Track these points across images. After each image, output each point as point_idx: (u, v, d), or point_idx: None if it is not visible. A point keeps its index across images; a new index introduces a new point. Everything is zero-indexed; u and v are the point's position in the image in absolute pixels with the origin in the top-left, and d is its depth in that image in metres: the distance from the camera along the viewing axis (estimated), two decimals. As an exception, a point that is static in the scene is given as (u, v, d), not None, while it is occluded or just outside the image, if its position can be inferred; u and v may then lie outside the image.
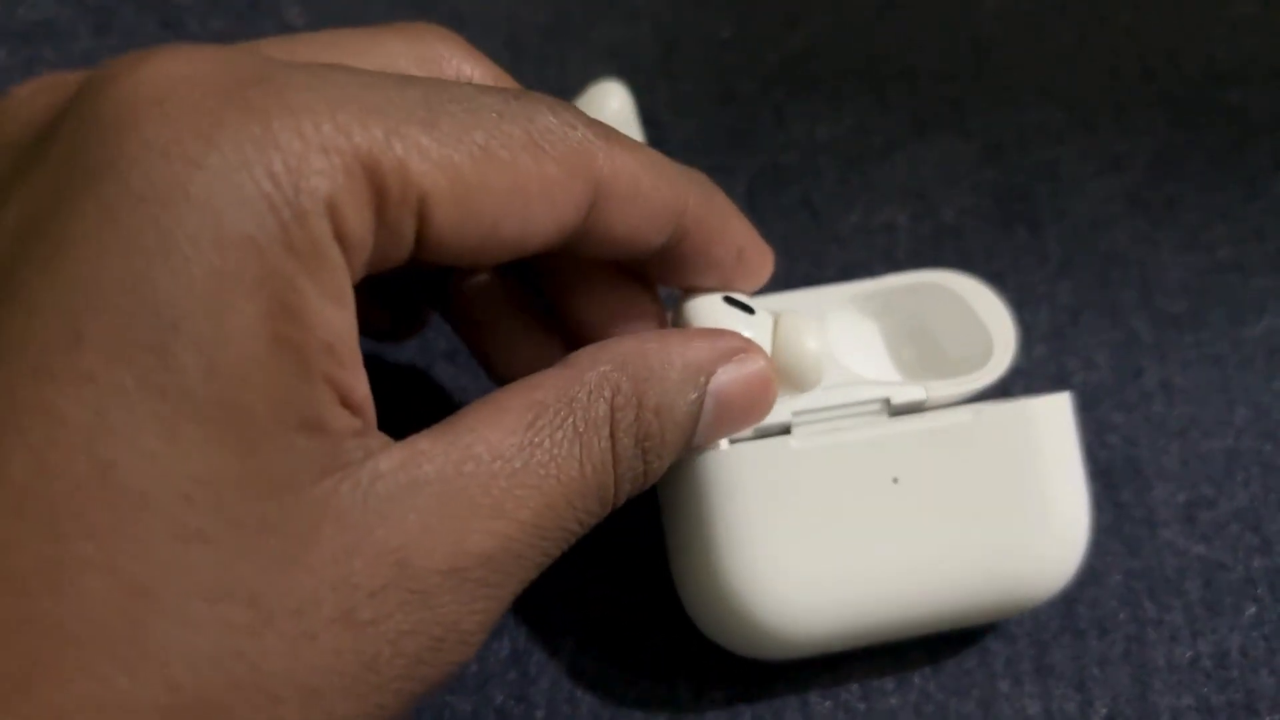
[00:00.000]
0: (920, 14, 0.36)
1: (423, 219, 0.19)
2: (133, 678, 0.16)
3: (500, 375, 0.26)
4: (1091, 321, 0.32)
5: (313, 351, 0.18)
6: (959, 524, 0.24)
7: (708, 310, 0.25)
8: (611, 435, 0.21)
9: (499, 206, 0.20)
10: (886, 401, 0.26)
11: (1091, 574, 0.28)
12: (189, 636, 0.17)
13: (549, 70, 0.35)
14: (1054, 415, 0.25)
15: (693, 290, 0.25)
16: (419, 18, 0.36)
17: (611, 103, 0.32)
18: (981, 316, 0.27)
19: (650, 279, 0.26)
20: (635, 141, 0.22)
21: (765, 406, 0.24)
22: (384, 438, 0.19)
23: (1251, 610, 0.28)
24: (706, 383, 0.23)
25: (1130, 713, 0.27)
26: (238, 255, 0.17)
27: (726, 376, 0.23)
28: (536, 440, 0.20)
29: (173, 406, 0.17)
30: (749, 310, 0.25)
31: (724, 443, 0.24)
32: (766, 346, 0.25)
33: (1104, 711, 0.27)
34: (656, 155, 0.23)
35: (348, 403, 0.19)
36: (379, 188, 0.18)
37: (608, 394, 0.21)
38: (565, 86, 0.34)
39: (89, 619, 0.16)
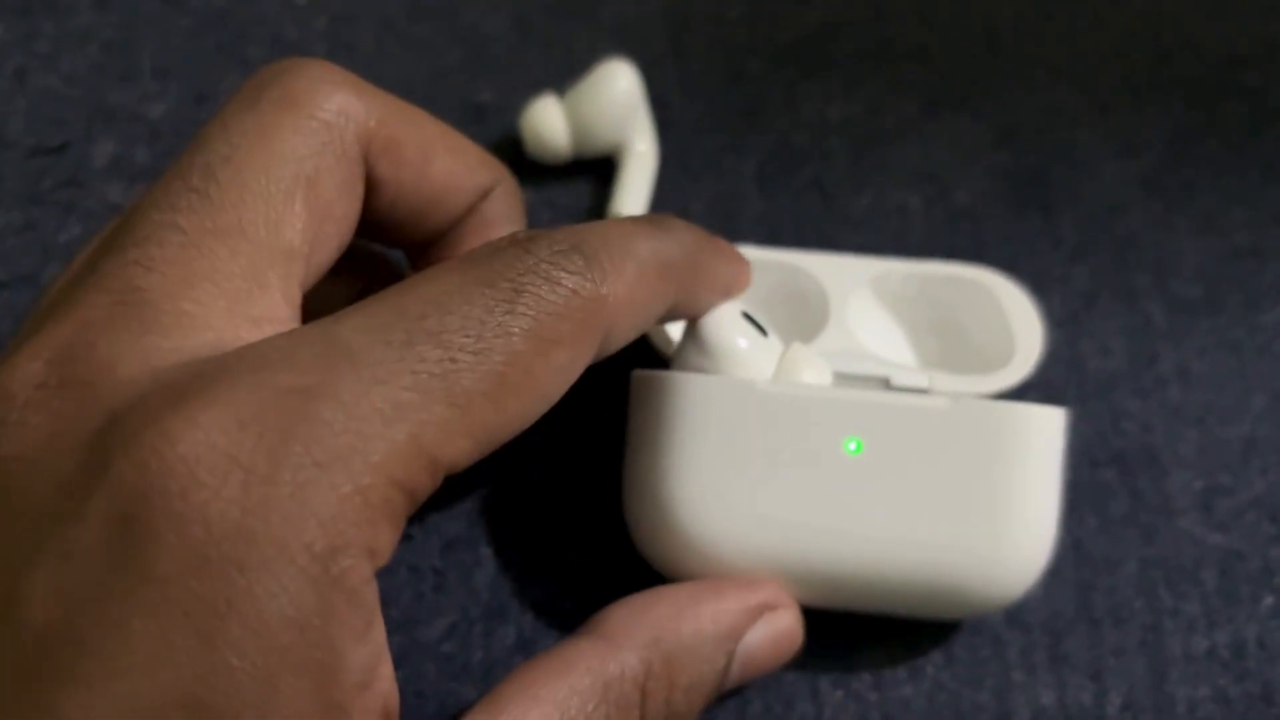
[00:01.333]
0: (933, -6, 0.36)
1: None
2: None
3: None
4: (1106, 307, 0.31)
5: (351, 701, 0.18)
6: (911, 508, 0.24)
7: (724, 324, 0.25)
8: (641, 716, 0.22)
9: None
10: (886, 381, 0.26)
11: (1107, 563, 0.28)
12: None
13: (556, 50, 0.35)
14: (1039, 427, 0.24)
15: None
16: (424, -5, 0.35)
17: (619, 83, 0.32)
18: (1012, 324, 0.27)
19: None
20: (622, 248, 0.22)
21: (789, 657, 0.24)
22: None
23: (1269, 600, 0.28)
24: (735, 647, 0.23)
25: (1146, 703, 0.26)
26: (283, 642, 0.17)
27: (755, 637, 0.24)
28: None
29: None
30: (763, 331, 0.25)
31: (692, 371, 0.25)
32: (772, 367, 0.25)
33: (1119, 702, 0.26)
34: (651, 261, 0.22)
35: (379, 714, 0.19)
36: (415, 497, 0.19)
37: (641, 676, 0.22)
38: (572, 66, 0.34)
39: None
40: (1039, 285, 0.31)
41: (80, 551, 0.17)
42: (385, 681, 0.19)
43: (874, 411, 0.24)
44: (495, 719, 0.20)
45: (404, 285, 0.19)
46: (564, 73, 0.34)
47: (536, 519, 0.28)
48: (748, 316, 0.25)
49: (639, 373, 0.26)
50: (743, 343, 0.25)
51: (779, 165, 0.33)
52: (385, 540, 0.18)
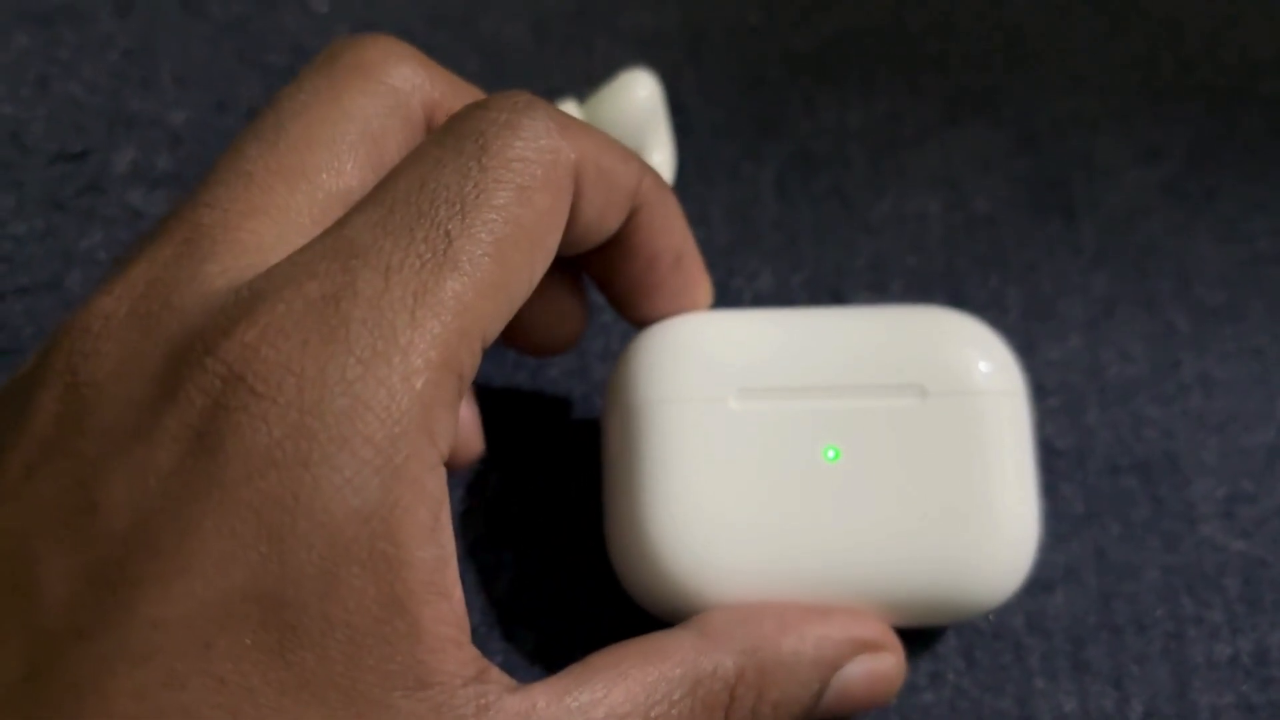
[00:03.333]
0: (953, 0, 0.36)
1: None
2: None
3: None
4: (1127, 313, 0.31)
5: (419, 602, 0.18)
6: (893, 512, 0.24)
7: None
8: (726, 718, 0.21)
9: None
10: (856, 385, 0.25)
11: (1129, 570, 0.28)
12: None
13: (575, 57, 0.35)
14: (1001, 411, 0.24)
15: (637, 315, 0.26)
16: (440, 6, 0.35)
17: (639, 92, 0.32)
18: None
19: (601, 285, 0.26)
20: (584, 123, 0.23)
21: (885, 701, 0.24)
22: (498, 683, 0.19)
23: (1293, 608, 0.28)
24: (831, 675, 0.23)
25: (1169, 710, 0.26)
26: (347, 534, 0.18)
27: (855, 672, 0.23)
28: (654, 715, 0.20)
29: (293, 698, 0.18)
30: None
31: (661, 399, 0.24)
32: None
33: (1141, 709, 0.26)
34: (607, 135, 0.23)
35: (453, 635, 0.19)
36: (460, 375, 0.19)
37: (732, 680, 0.21)
38: (591, 73, 0.34)
39: None
40: (1059, 291, 0.31)
41: (153, 464, 0.18)
42: (457, 600, 0.19)
43: (846, 418, 0.24)
44: (582, 684, 0.20)
45: (395, 170, 0.21)
46: (583, 80, 0.34)
47: (557, 520, 0.28)
48: None
49: (608, 403, 0.25)
50: None
51: (798, 172, 0.33)
52: (443, 424, 0.19)
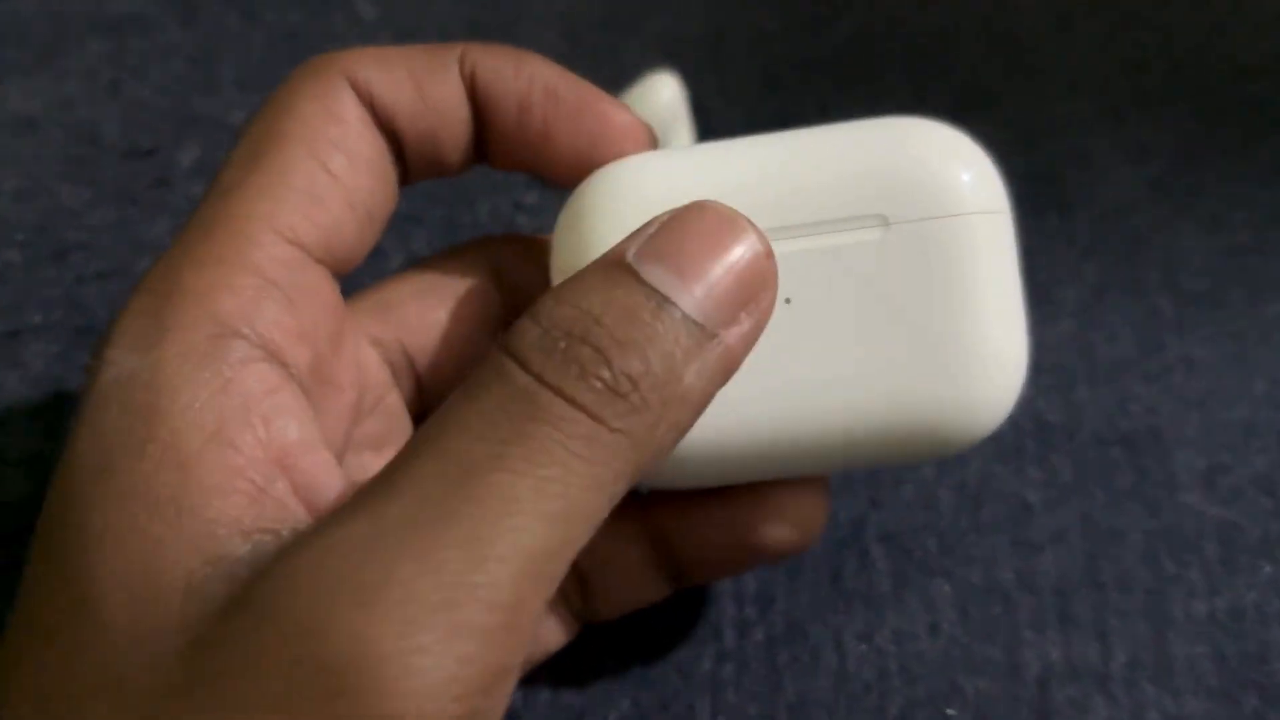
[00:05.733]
0: (958, 8, 0.38)
1: None
2: None
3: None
4: (1116, 299, 0.33)
5: (186, 444, 0.19)
6: (862, 349, 0.21)
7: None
8: None
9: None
10: (806, 222, 0.22)
11: (1113, 533, 0.30)
12: None
13: (603, 61, 0.37)
14: (974, 234, 0.22)
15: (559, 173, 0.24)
16: (479, 14, 0.38)
17: (663, 94, 0.34)
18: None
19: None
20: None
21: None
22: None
23: (1267, 569, 0.30)
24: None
25: (1147, 660, 0.28)
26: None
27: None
28: None
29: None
30: None
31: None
32: None
33: (1123, 659, 0.28)
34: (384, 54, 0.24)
35: (239, 484, 0.19)
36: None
37: None
38: (619, 77, 0.36)
39: None
40: (1054, 279, 0.33)
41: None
42: (248, 450, 0.19)
43: (799, 260, 0.22)
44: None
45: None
46: (611, 83, 0.36)
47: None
48: None
49: (551, 268, 0.23)
50: None
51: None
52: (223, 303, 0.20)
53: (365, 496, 0.18)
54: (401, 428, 0.25)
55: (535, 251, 0.26)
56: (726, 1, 0.38)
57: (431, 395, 0.25)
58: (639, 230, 0.19)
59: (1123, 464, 0.31)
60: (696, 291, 0.19)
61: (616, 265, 0.19)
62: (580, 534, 0.18)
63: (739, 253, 0.19)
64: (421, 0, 0.38)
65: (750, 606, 0.29)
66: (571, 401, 0.18)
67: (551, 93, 0.23)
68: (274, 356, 0.20)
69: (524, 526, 0.17)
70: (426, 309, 0.24)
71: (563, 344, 0.18)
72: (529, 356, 0.18)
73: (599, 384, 0.18)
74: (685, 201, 0.20)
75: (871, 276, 0.22)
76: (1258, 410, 0.32)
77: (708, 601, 0.29)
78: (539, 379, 0.18)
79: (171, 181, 0.35)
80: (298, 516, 0.19)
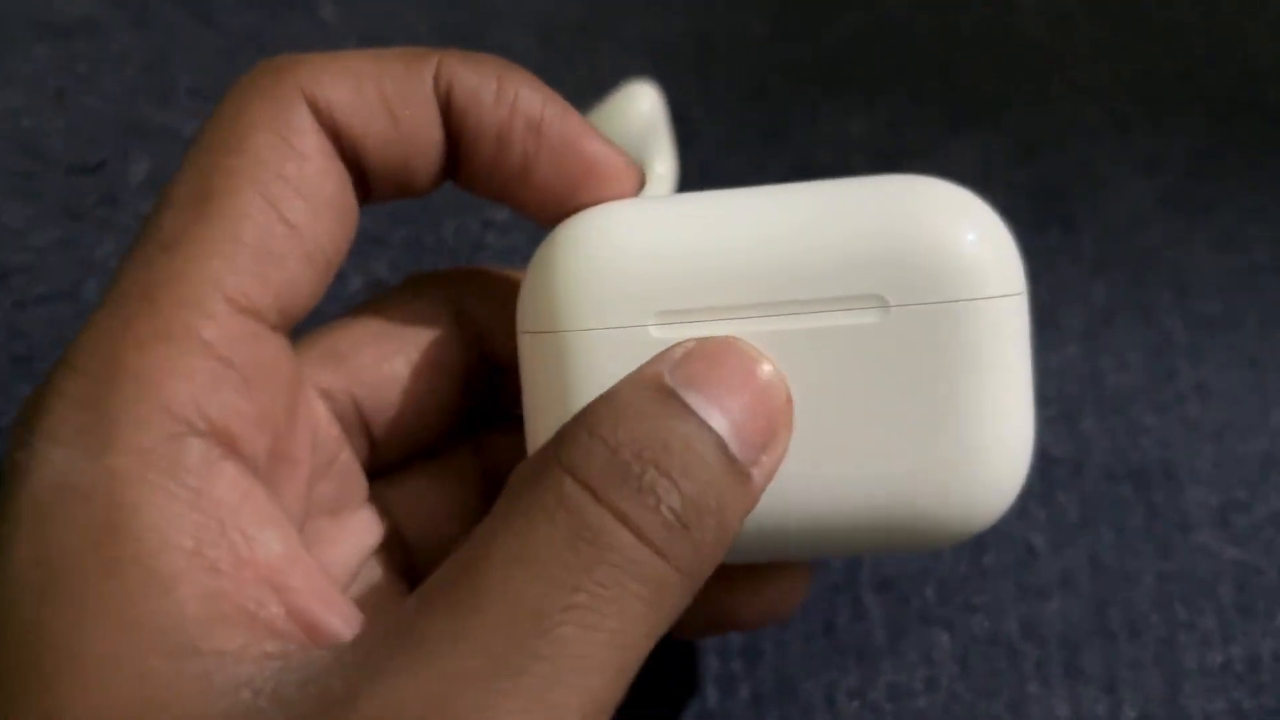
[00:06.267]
0: (956, 11, 0.36)
1: None
2: None
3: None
4: (1125, 322, 0.31)
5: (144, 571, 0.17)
6: (857, 438, 0.20)
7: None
8: None
9: None
10: (802, 300, 0.20)
11: (1123, 576, 0.28)
12: None
13: (580, 66, 0.35)
14: (981, 320, 0.20)
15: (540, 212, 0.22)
16: (449, 15, 0.36)
17: (642, 105, 0.32)
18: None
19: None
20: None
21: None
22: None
23: (1285, 615, 0.28)
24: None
25: (1160, 715, 0.27)
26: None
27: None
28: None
29: None
30: None
31: (583, 330, 0.20)
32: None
33: (1133, 714, 0.27)
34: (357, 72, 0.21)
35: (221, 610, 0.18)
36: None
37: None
38: (597, 82, 0.34)
39: None
40: (1058, 300, 0.31)
41: None
42: (227, 574, 0.18)
43: (794, 339, 0.20)
44: None
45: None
46: (588, 90, 0.34)
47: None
48: None
49: (525, 334, 0.21)
50: None
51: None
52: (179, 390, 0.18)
53: (429, 642, 0.17)
54: (356, 487, 0.23)
55: (501, 290, 0.24)
56: (712, 4, 0.36)
57: (384, 448, 0.23)
58: (666, 353, 0.19)
59: (1132, 501, 0.29)
60: (733, 428, 0.18)
61: (662, 390, 0.18)
62: (633, 674, 0.18)
63: (766, 392, 0.19)
64: (388, 1, 0.36)
65: (736, 660, 0.27)
66: (640, 535, 0.17)
67: (534, 126, 0.21)
68: (235, 452, 0.19)
69: (591, 684, 0.17)
70: (381, 357, 0.22)
71: (636, 469, 0.17)
72: (599, 483, 0.17)
73: (670, 516, 0.17)
74: (670, 262, 0.20)
75: (869, 361, 0.20)
76: (1276, 442, 0.30)
77: (688, 655, 0.27)
78: (613, 510, 0.17)
79: (120, 198, 0.33)
80: (298, 641, 0.18)
